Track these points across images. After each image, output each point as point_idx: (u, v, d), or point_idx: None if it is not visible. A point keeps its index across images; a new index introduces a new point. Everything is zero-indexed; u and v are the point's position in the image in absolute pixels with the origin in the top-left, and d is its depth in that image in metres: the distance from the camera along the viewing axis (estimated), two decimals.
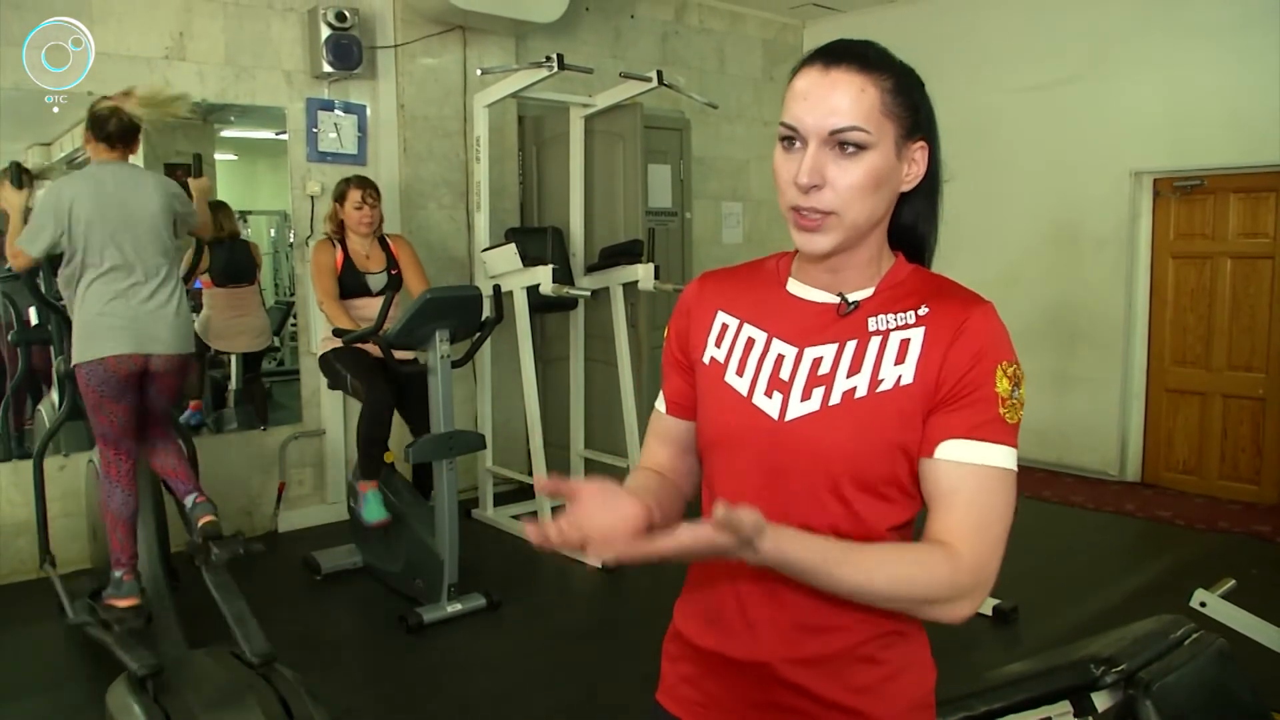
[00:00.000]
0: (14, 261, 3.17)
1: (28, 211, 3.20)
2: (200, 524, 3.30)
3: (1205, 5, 4.95)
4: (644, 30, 5.97)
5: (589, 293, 4.55)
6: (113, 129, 3.19)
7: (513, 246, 4.36)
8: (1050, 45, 5.54)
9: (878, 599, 0.97)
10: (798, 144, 1.01)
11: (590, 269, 4.85)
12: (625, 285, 4.74)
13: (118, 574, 3.21)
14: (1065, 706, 1.67)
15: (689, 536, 0.85)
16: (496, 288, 4.14)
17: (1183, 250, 5.31)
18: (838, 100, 0.99)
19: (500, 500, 4.97)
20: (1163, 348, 5.42)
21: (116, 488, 3.23)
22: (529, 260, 4.33)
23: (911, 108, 1.03)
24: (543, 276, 4.25)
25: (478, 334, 3.88)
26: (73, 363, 3.18)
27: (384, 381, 3.79)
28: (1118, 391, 5.49)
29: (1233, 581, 2.45)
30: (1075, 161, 5.49)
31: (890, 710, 1.07)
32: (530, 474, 4.74)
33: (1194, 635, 1.73)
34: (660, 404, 1.22)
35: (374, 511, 3.81)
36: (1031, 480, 5.50)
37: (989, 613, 3.50)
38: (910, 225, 1.12)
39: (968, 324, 1.02)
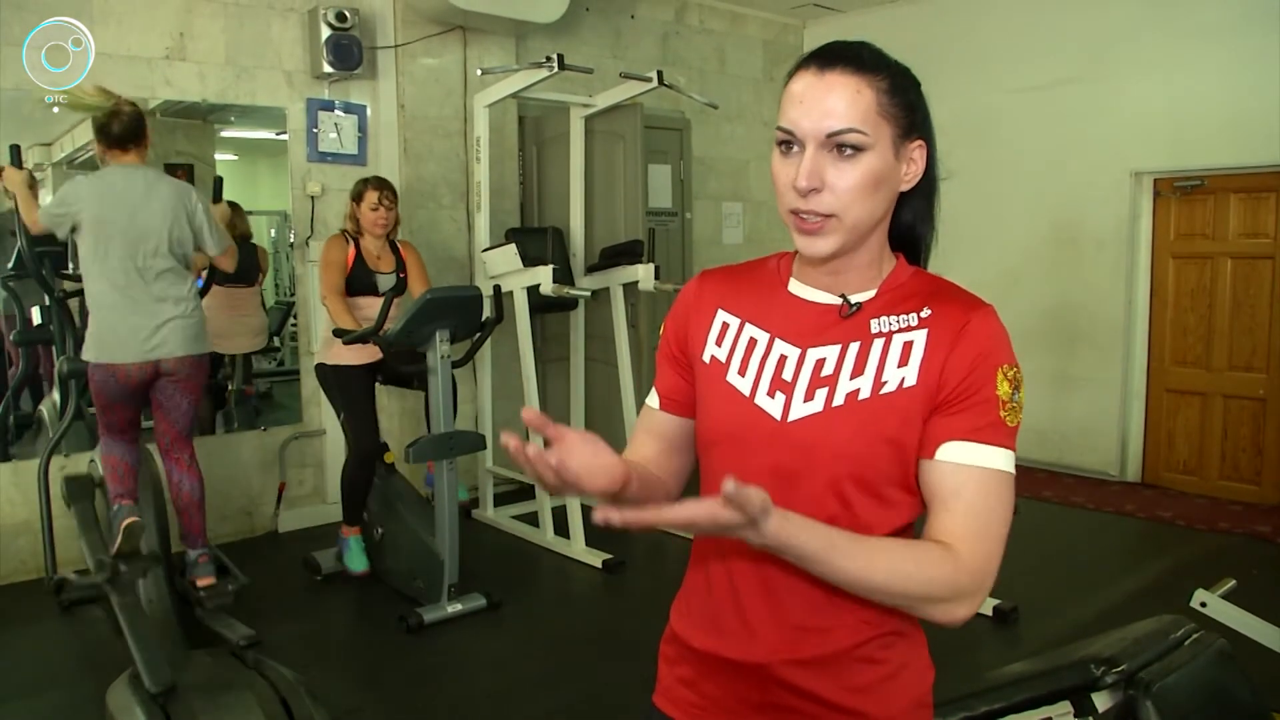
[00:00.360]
0: (33, 226, 3.34)
1: (31, 185, 3.38)
2: (200, 585, 3.41)
3: (1205, 6, 4.95)
4: (644, 30, 5.97)
5: (589, 293, 4.55)
6: (116, 131, 3.24)
7: (513, 247, 4.36)
8: (1050, 45, 5.54)
9: (876, 592, 0.96)
10: (795, 148, 1.01)
11: (590, 269, 4.85)
12: (625, 285, 4.74)
13: (115, 506, 3.25)
14: (1066, 707, 1.67)
15: (692, 509, 0.84)
16: (497, 288, 4.14)
17: (1183, 250, 5.31)
18: (834, 103, 0.99)
19: (500, 501, 4.97)
20: (1163, 348, 5.42)
21: (118, 443, 3.31)
22: (529, 260, 4.33)
23: (908, 107, 1.03)
24: (543, 277, 4.25)
25: (478, 334, 3.88)
26: (83, 357, 3.25)
27: (374, 429, 3.91)
28: (1118, 392, 5.49)
29: (1233, 582, 2.46)
30: (1075, 162, 5.49)
31: (889, 710, 1.07)
32: None
33: (1194, 635, 1.73)
34: (653, 399, 1.21)
35: (356, 560, 3.95)
36: (1032, 480, 5.50)
37: (989, 613, 3.50)
38: (910, 225, 1.12)
39: (969, 327, 1.02)
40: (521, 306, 4.42)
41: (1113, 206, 5.40)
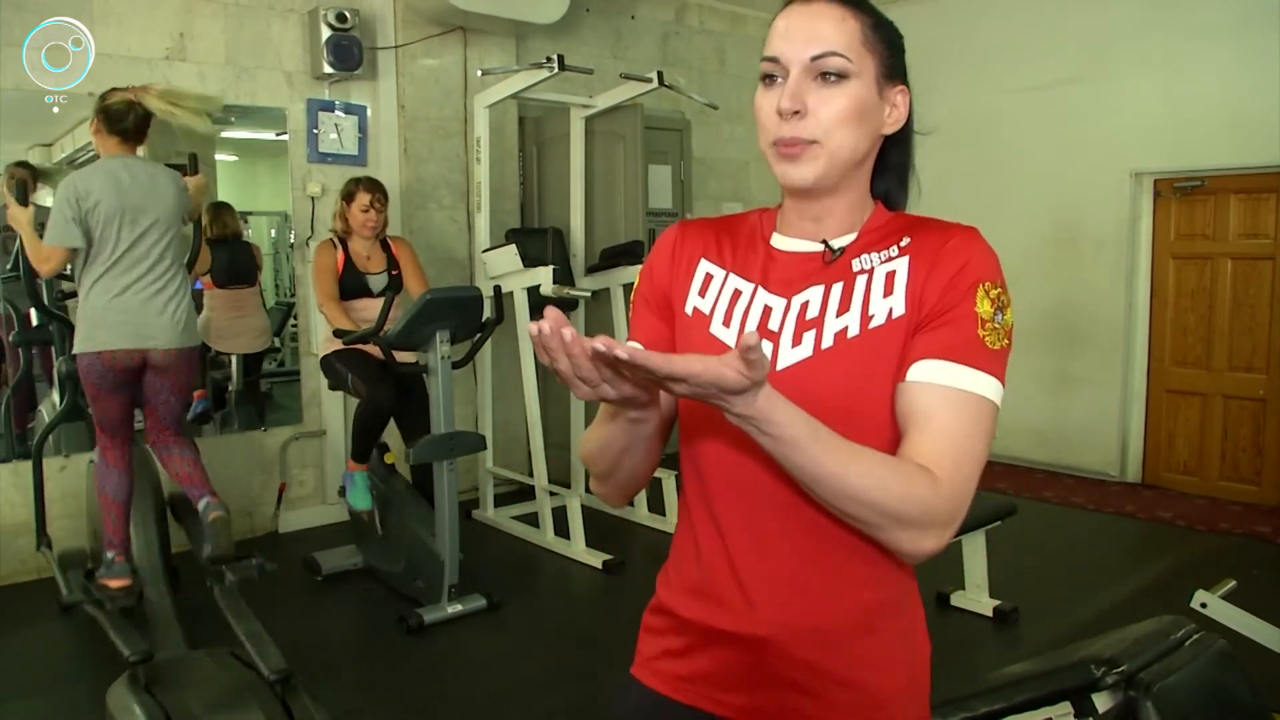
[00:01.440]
0: (44, 266, 3.13)
1: (39, 226, 3.19)
2: (210, 520, 3.26)
3: (1205, 6, 4.95)
4: (644, 31, 5.98)
5: (589, 293, 4.56)
6: (130, 124, 3.20)
7: (513, 247, 4.36)
8: (1050, 46, 5.54)
9: (849, 498, 0.87)
10: (778, 79, 1.00)
11: (591, 270, 4.86)
12: (626, 286, 4.74)
13: (109, 555, 3.24)
14: (1066, 707, 1.67)
15: (696, 362, 0.75)
16: (497, 288, 4.14)
17: (1183, 251, 5.31)
18: (819, 28, 0.98)
19: (501, 501, 4.97)
20: (1163, 348, 5.42)
21: (113, 471, 3.27)
22: (529, 261, 4.33)
23: (891, 48, 1.02)
24: (543, 277, 4.25)
25: (478, 335, 3.88)
26: (73, 350, 3.22)
27: (385, 381, 3.80)
28: (1118, 392, 5.49)
29: (1233, 582, 2.46)
30: (1075, 162, 5.49)
31: (890, 681, 1.04)
32: (531, 475, 4.74)
33: (1195, 636, 1.73)
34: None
35: (360, 498, 3.88)
36: (1032, 481, 5.50)
37: (990, 613, 3.50)
38: (892, 174, 1.10)
39: (949, 243, 1.00)
40: (522, 307, 4.42)
41: (1113, 207, 5.40)
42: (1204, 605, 2.37)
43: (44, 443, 3.76)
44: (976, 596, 3.54)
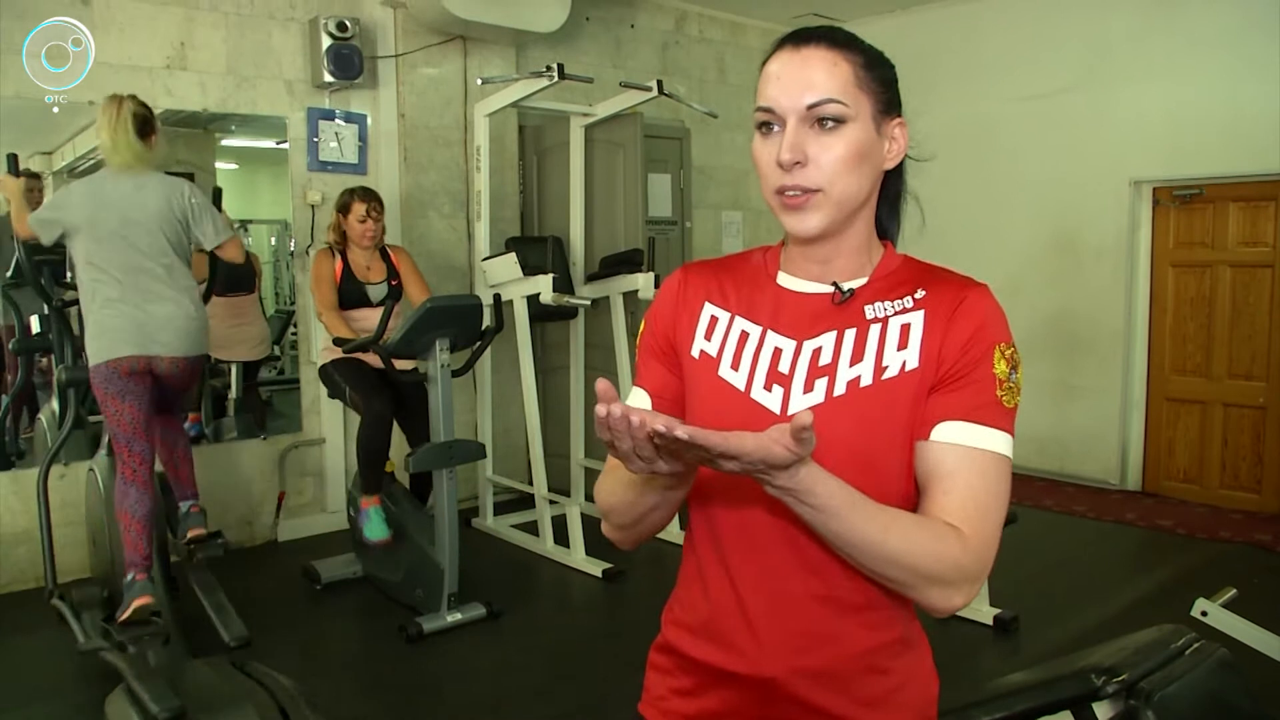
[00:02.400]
0: (21, 232, 3.30)
1: (30, 194, 3.45)
2: (189, 535, 3.42)
3: (1204, 14, 4.96)
4: (644, 40, 5.99)
5: (589, 302, 4.56)
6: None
7: (513, 255, 4.37)
8: (1049, 54, 5.55)
9: (884, 560, 0.91)
10: (775, 127, 1.00)
11: (590, 278, 4.86)
12: (625, 294, 4.74)
13: (130, 575, 3.15)
14: (1066, 717, 1.66)
15: (745, 440, 0.78)
16: (497, 297, 4.14)
17: (1182, 259, 5.32)
18: (812, 75, 0.98)
19: (500, 510, 4.97)
20: (1163, 356, 5.42)
21: (131, 486, 3.20)
22: (529, 269, 4.33)
23: (885, 83, 1.02)
24: (543, 286, 4.25)
25: (478, 343, 3.88)
26: (89, 365, 3.23)
27: (383, 394, 3.78)
28: (1118, 400, 5.49)
29: (1234, 591, 2.45)
30: (1074, 170, 5.50)
31: None
32: (530, 483, 4.73)
33: (1195, 645, 1.72)
34: (641, 399, 1.12)
35: (376, 530, 3.79)
36: (1032, 489, 5.49)
37: (990, 622, 3.49)
38: (887, 202, 1.11)
39: (964, 303, 1.01)
40: (521, 315, 4.43)
41: (1112, 215, 5.41)
42: (1205, 614, 2.37)
43: (48, 470, 3.61)
44: (977, 605, 3.53)
